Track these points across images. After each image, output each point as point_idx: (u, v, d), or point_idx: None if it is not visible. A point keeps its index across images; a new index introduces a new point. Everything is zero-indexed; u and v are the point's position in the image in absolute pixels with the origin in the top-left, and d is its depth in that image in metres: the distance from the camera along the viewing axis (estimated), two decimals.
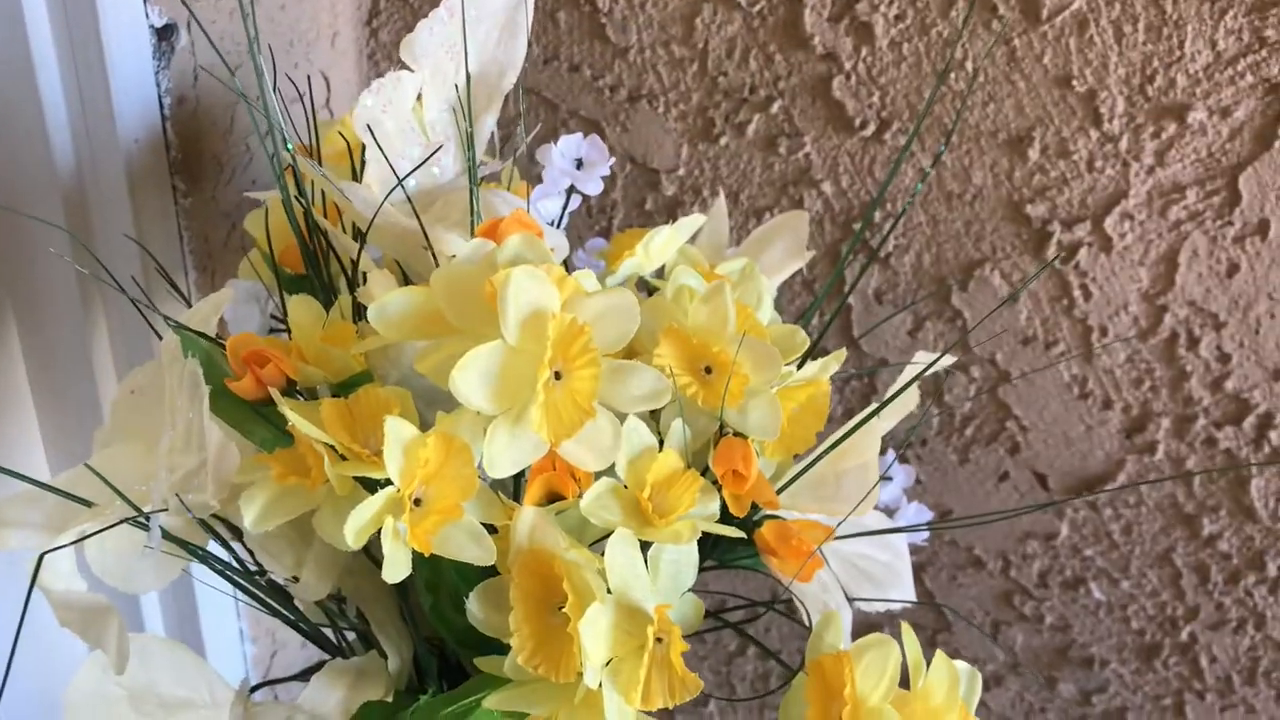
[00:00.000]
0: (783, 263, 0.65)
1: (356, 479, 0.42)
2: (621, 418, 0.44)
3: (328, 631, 0.60)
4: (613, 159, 0.54)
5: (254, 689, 0.59)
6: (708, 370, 0.49)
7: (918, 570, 0.90)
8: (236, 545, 0.54)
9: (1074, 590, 0.86)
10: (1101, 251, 0.75)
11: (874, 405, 0.51)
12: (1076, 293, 0.77)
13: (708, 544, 0.55)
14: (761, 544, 0.52)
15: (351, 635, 0.61)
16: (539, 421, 0.40)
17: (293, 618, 0.54)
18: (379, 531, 0.41)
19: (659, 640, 0.42)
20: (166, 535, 0.51)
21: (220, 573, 0.52)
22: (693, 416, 0.48)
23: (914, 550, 0.91)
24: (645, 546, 0.45)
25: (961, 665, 0.46)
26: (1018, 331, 0.79)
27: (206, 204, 0.87)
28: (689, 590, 0.46)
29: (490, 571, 0.45)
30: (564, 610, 0.41)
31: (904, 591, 0.58)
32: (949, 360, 0.56)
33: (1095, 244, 0.75)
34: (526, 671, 0.43)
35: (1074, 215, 0.75)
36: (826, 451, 0.50)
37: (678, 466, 0.46)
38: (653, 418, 0.49)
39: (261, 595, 0.54)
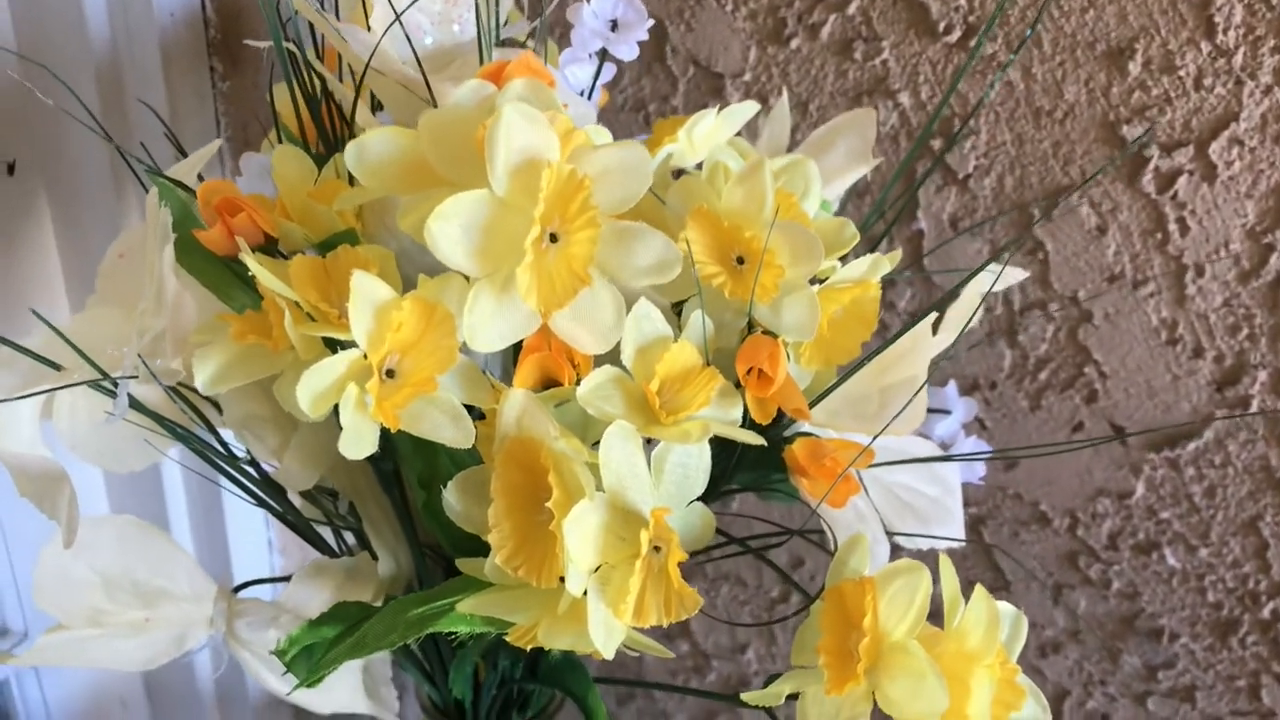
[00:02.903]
0: (845, 167, 0.59)
1: (327, 345, 0.37)
2: (631, 300, 0.38)
3: (327, 533, 0.57)
4: (651, 20, 0.48)
5: (240, 587, 0.56)
6: (740, 261, 0.43)
7: (975, 522, 0.84)
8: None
9: (1146, 555, 0.79)
10: (1204, 181, 0.68)
11: (927, 310, 0.45)
12: (1172, 226, 0.70)
13: (732, 460, 0.49)
14: (791, 462, 0.47)
15: (353, 540, 0.57)
16: (527, 286, 0.34)
17: (281, 510, 0.50)
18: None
19: (656, 549, 0.37)
20: (148, 412, 0.47)
21: (202, 455, 0.48)
22: (719, 311, 0.43)
23: (974, 501, 0.85)
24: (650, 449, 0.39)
25: (1005, 606, 0.41)
26: (1104, 267, 0.73)
27: (246, 90, 0.83)
28: (699, 500, 0.40)
29: None
30: (549, 506, 0.36)
31: (953, 531, 0.53)
32: (1021, 274, 0.50)
33: (1197, 172, 0.68)
34: (507, 574, 0.38)
35: (1175, 139, 0.67)
36: (869, 359, 0.45)
37: (694, 362, 0.41)
38: (675, 313, 0.44)
39: (248, 484, 0.50)
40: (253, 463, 0.51)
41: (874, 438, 0.43)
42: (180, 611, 0.52)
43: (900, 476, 0.52)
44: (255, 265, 0.36)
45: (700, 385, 0.40)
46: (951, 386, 0.61)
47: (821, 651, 0.37)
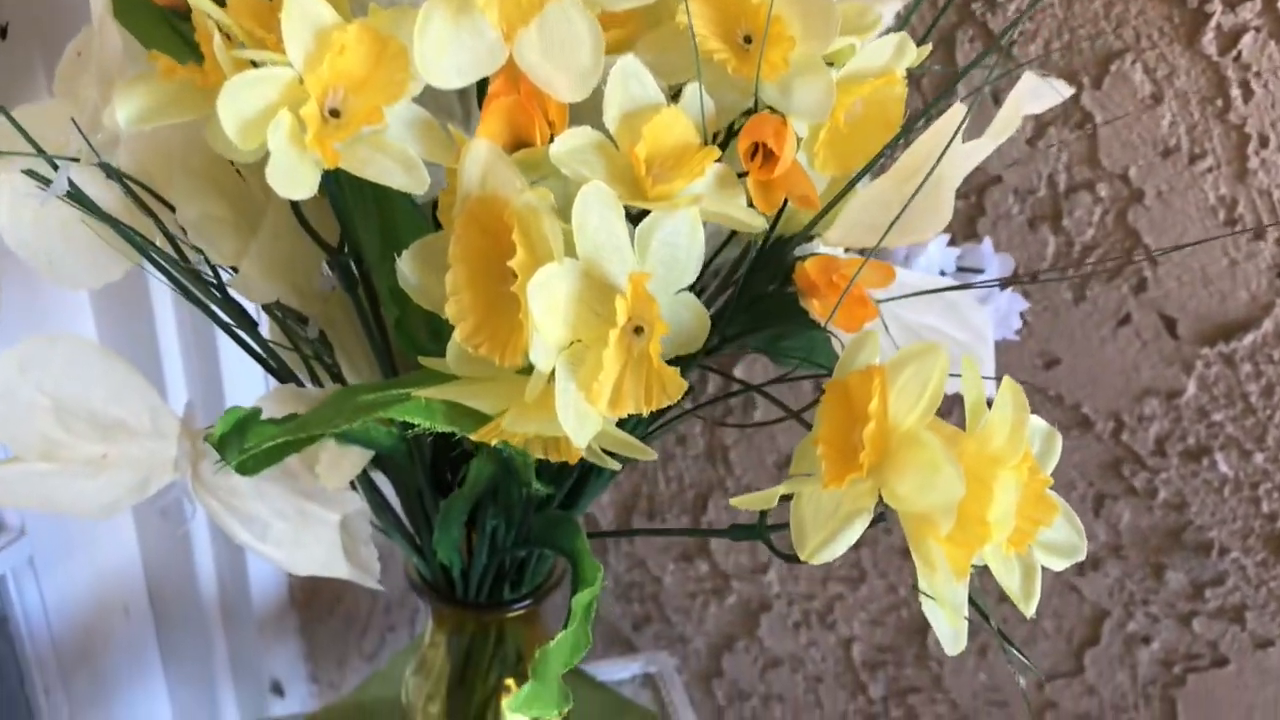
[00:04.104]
0: None
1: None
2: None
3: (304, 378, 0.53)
4: None
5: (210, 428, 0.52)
6: (747, 40, 0.38)
7: None
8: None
9: (1196, 461, 0.74)
10: (1271, 39, 0.62)
11: (956, 108, 0.40)
12: (1235, 91, 0.64)
13: (737, 291, 0.45)
14: (802, 281, 0.42)
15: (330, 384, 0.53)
16: None
17: (238, 329, 0.46)
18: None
19: (637, 331, 0.33)
20: (101, 214, 0.43)
21: (159, 266, 0.44)
22: (721, 92, 0.38)
23: None
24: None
25: (1037, 421, 0.36)
26: (1158, 140, 0.67)
27: None
28: (690, 292, 0.36)
29: None
30: (512, 267, 0.32)
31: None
32: (1066, 89, 0.45)
33: (1264, 28, 0.62)
34: (470, 363, 0.34)
35: None
36: (889, 149, 0.40)
37: (688, 137, 0.36)
38: (674, 100, 0.40)
39: (210, 306, 0.46)
40: (219, 287, 0.47)
41: (884, 233, 0.38)
42: (142, 450, 0.48)
43: (927, 318, 0.47)
44: None
45: (696, 162, 0.35)
46: (987, 243, 0.56)
47: (820, 443, 0.33)
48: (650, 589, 1.04)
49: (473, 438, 0.35)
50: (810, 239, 0.46)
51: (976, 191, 0.74)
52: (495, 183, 0.32)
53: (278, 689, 1.05)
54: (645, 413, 0.33)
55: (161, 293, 0.76)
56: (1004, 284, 0.51)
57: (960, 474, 0.30)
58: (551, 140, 0.34)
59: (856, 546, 0.90)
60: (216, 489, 0.50)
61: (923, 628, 0.88)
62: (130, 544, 0.99)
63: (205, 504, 0.51)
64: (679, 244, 0.34)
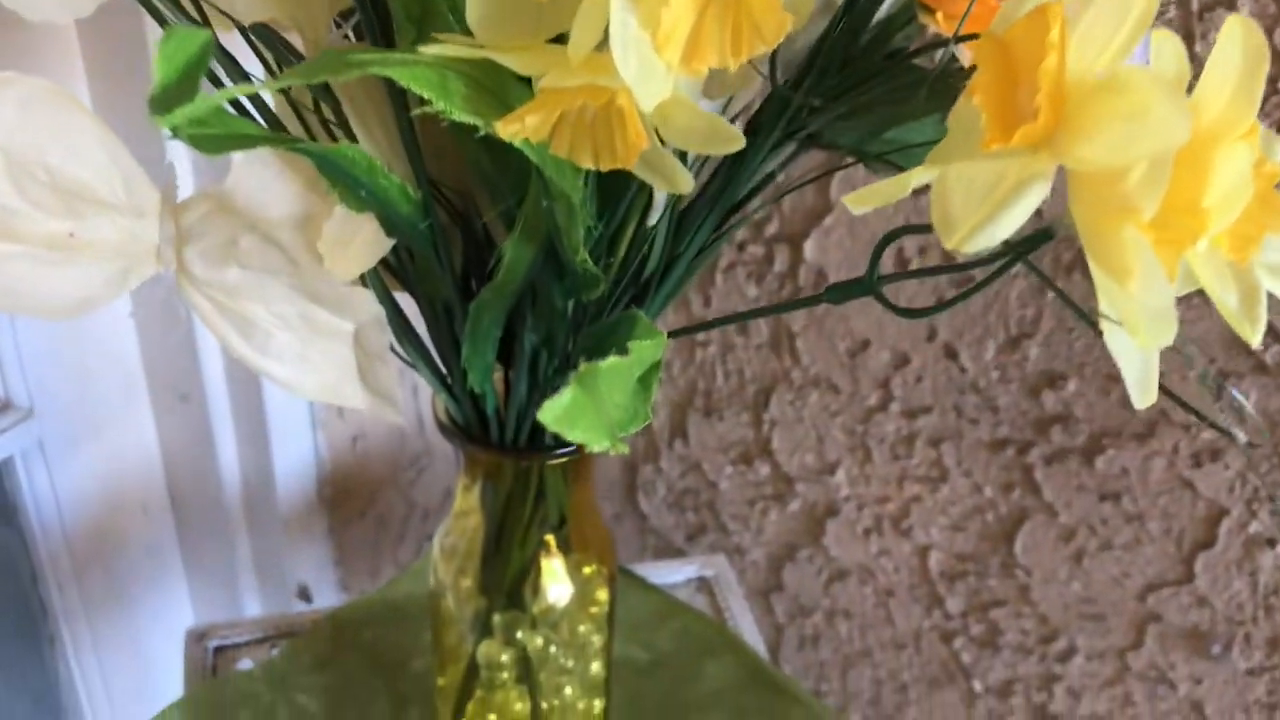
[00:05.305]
0: None
1: None
2: None
3: None
4: None
5: None
6: None
7: None
8: None
9: None
10: None
11: None
12: None
13: (834, 36, 0.36)
14: None
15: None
16: None
17: (228, 79, 0.38)
18: None
19: None
20: None
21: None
22: None
23: None
24: None
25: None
26: None
27: None
28: None
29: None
30: None
31: None
32: None
33: None
34: (495, 13, 0.25)
35: None
36: None
37: None
38: None
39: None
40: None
41: None
42: (115, 230, 0.41)
43: None
44: None
45: None
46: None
47: (978, 92, 0.24)
48: (706, 496, 0.96)
49: (499, 128, 0.27)
50: None
51: None
52: None
53: (305, 594, 0.98)
54: (732, 67, 0.24)
55: None
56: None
57: (1184, 108, 0.21)
58: None
59: (937, 442, 0.80)
60: (207, 285, 0.42)
61: (1009, 533, 0.79)
62: (148, 434, 0.92)
63: (195, 304, 0.43)
64: None
